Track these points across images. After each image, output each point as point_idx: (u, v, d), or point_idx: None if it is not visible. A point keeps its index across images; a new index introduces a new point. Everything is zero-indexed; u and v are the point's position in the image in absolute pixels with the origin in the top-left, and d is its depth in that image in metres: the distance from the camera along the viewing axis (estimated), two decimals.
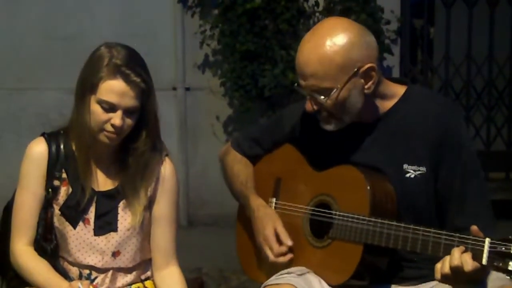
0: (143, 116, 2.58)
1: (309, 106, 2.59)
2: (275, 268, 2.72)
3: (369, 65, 2.52)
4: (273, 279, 2.64)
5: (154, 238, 2.74)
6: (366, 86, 2.54)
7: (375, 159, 2.62)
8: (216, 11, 6.09)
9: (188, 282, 2.80)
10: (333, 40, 2.49)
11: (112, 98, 2.51)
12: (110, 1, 6.26)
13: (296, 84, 2.61)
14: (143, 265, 2.76)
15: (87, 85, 2.55)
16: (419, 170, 2.57)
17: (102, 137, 2.56)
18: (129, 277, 2.71)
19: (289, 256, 2.71)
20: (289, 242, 2.70)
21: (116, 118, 2.51)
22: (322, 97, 2.52)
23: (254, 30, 5.91)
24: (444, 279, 2.32)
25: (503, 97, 6.75)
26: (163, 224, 2.73)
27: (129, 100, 2.52)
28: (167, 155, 2.73)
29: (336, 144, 2.68)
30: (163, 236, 2.74)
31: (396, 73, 6.28)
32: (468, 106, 6.65)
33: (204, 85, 6.31)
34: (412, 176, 2.58)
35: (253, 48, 5.89)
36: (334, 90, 2.50)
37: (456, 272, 2.28)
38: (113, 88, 2.51)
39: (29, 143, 2.69)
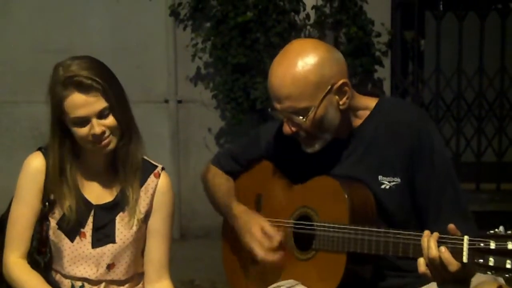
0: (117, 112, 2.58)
1: (286, 129, 2.58)
2: (264, 279, 2.72)
3: (342, 81, 2.53)
4: None
5: (148, 251, 2.75)
6: (340, 102, 2.55)
7: (351, 172, 2.62)
8: (208, 24, 6.11)
9: None
10: (304, 60, 2.50)
11: (78, 113, 2.52)
12: (102, 14, 6.27)
13: (270, 109, 2.61)
14: (136, 278, 2.76)
15: (56, 112, 2.57)
16: (394, 181, 2.59)
17: (97, 149, 2.58)
18: None
19: (279, 254, 2.69)
20: (278, 237, 2.69)
21: (94, 128, 2.53)
22: (301, 117, 2.52)
23: (246, 43, 5.93)
24: (429, 269, 2.34)
25: (494, 108, 6.77)
26: (157, 238, 2.74)
27: (94, 105, 2.52)
28: (163, 168, 2.75)
29: (312, 160, 2.69)
30: (157, 249, 2.75)
31: (387, 85, 6.31)
32: (458, 118, 6.68)
33: (196, 98, 6.33)
34: (387, 187, 2.59)
35: (244, 61, 5.91)
36: (311, 109, 2.51)
37: (436, 265, 2.30)
38: (74, 103, 2.52)
39: (27, 157, 2.70)
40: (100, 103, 2.53)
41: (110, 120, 2.55)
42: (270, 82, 2.55)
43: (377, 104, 2.66)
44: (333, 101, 2.54)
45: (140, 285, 2.77)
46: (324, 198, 2.62)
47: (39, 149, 2.70)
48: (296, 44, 2.62)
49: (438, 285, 2.42)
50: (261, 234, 2.71)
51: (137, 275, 2.76)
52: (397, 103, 2.80)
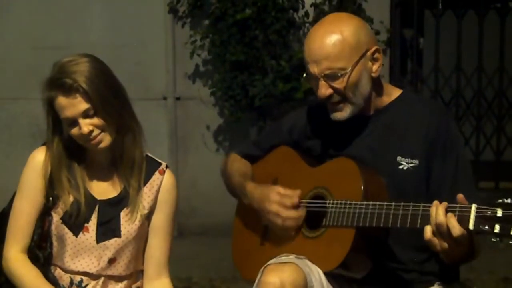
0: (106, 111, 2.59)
1: (322, 92, 2.66)
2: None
3: (376, 47, 2.68)
4: (273, 261, 2.65)
5: (149, 248, 2.76)
6: (373, 69, 2.68)
7: (370, 149, 2.70)
8: (206, 22, 6.11)
9: None
10: (342, 26, 2.65)
11: (64, 114, 2.56)
12: (100, 11, 6.27)
13: (303, 76, 2.74)
14: (135, 275, 2.77)
15: (50, 111, 2.61)
16: (411, 163, 2.65)
17: (92, 147, 2.60)
18: (120, 286, 2.72)
19: (301, 210, 2.72)
20: (296, 192, 2.73)
21: (82, 127, 2.55)
22: (339, 74, 2.62)
23: (245, 40, 5.93)
24: (436, 236, 2.38)
25: (492, 107, 6.78)
26: (159, 235, 2.75)
27: (77, 106, 2.54)
28: (167, 166, 2.77)
29: (332, 136, 2.77)
30: (158, 246, 2.76)
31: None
32: (457, 116, 6.68)
33: (194, 95, 6.33)
34: (405, 168, 2.65)
35: (243, 58, 5.91)
36: (347, 70, 2.62)
37: (442, 231, 2.34)
38: (60, 105, 2.55)
39: (25, 153, 2.72)
40: (82, 104, 2.54)
41: (97, 120, 2.56)
42: (308, 47, 2.68)
43: (402, 94, 2.79)
44: (367, 66, 2.66)
45: (139, 282, 2.78)
46: (339, 178, 2.69)
47: (45, 144, 2.70)
48: (332, 16, 2.83)
49: (442, 254, 2.47)
50: (279, 196, 2.75)
51: (137, 272, 2.77)
52: (420, 96, 3.02)
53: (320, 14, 5.95)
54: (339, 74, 2.62)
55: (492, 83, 6.74)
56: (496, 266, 5.20)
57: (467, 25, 6.67)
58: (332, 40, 2.62)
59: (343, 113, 2.69)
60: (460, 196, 2.37)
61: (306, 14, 6.03)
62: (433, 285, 2.68)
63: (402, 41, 6.79)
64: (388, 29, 6.19)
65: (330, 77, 2.63)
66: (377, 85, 2.72)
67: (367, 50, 2.64)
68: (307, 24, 6.06)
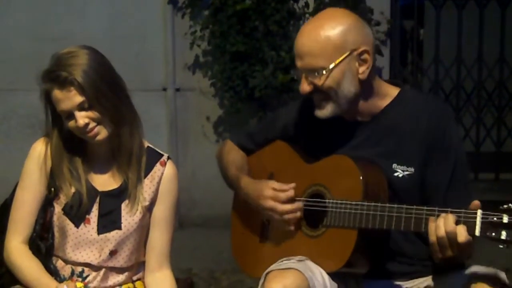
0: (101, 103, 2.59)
1: (303, 87, 2.63)
2: (272, 257, 2.72)
3: (363, 48, 2.58)
4: (274, 266, 2.64)
5: (151, 240, 2.77)
6: (360, 71, 2.59)
7: (366, 156, 2.64)
8: (206, 12, 6.09)
9: (178, 283, 2.81)
10: (332, 24, 2.58)
11: (60, 107, 2.57)
12: (100, 2, 6.25)
13: (294, 68, 2.69)
14: (136, 266, 2.78)
15: (49, 103, 2.62)
16: (407, 171, 2.62)
17: (89, 139, 2.61)
18: (121, 277, 2.73)
19: (297, 203, 2.70)
20: (290, 186, 2.72)
21: (77, 120, 2.55)
22: (318, 72, 2.57)
23: (244, 31, 5.92)
24: (437, 242, 2.36)
25: (493, 98, 6.77)
26: (161, 226, 2.76)
27: (72, 99, 2.54)
28: (169, 158, 2.77)
29: (328, 141, 2.73)
30: (159, 238, 2.76)
31: (386, 74, 6.29)
32: (458, 108, 6.68)
33: (194, 86, 6.32)
34: (400, 175, 2.62)
35: (243, 49, 5.90)
36: (327, 69, 2.56)
37: (449, 238, 2.32)
38: (56, 97, 2.56)
39: (25, 144, 2.72)
40: (77, 97, 2.54)
41: (92, 112, 2.57)
42: (296, 40, 2.65)
43: (399, 93, 2.71)
44: (352, 67, 2.59)
45: (140, 274, 2.78)
46: (338, 176, 2.65)
47: (46, 135, 2.70)
48: (329, 10, 2.78)
49: (438, 260, 2.44)
50: (273, 192, 2.73)
51: (138, 264, 2.78)
52: (419, 95, 2.86)
53: (320, 4, 5.94)
54: (317, 73, 2.58)
55: (492, 75, 6.72)
56: (496, 257, 5.18)
57: (467, 16, 6.66)
58: (317, 37, 2.57)
59: (325, 111, 2.64)
60: (476, 203, 2.34)
61: (306, 4, 6.01)
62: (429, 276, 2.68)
63: (402, 32, 6.78)
64: (389, 20, 6.18)
65: (310, 73, 2.60)
66: (368, 87, 2.65)
67: (353, 50, 2.57)
68: (307, 15, 6.04)
